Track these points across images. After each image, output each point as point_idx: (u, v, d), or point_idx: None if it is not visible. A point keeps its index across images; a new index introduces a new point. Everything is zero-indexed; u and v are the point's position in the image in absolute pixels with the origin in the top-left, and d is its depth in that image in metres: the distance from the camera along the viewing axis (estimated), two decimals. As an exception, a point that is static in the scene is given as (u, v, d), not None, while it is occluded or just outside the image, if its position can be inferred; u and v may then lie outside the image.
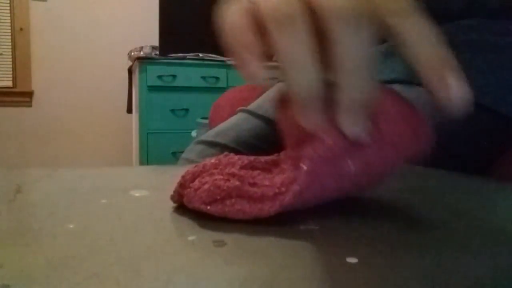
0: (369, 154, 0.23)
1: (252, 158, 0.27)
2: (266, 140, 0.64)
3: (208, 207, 0.24)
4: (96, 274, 0.17)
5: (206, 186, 0.24)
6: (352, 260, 0.19)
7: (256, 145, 0.64)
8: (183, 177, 0.26)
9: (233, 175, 0.24)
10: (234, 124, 0.69)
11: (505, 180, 0.41)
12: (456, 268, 0.19)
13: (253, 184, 0.24)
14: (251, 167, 0.26)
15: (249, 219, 0.23)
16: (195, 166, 0.27)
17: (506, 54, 0.55)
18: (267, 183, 0.24)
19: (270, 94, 0.73)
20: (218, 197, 0.24)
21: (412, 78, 0.57)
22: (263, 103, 0.71)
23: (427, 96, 0.57)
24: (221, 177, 0.25)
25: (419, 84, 0.60)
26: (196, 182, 0.25)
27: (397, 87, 0.57)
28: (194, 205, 0.25)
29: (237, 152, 0.38)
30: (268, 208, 0.22)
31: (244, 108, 0.72)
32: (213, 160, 0.27)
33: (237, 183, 0.24)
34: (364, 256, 0.20)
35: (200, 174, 0.26)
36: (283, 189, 0.23)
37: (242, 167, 0.25)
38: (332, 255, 0.20)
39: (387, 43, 0.62)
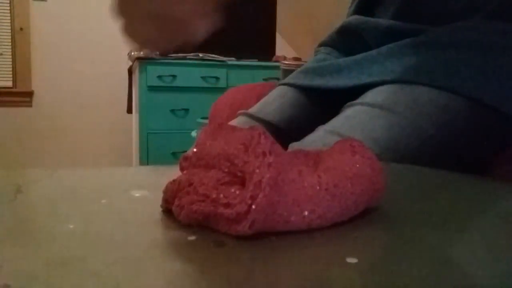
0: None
1: (234, 168, 0.24)
2: None
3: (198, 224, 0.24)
4: (96, 274, 0.17)
5: (183, 212, 0.24)
6: (352, 260, 0.19)
7: None
8: (164, 193, 0.26)
9: (207, 196, 0.23)
10: None
11: (505, 179, 0.41)
12: (457, 267, 0.19)
13: (227, 205, 0.22)
14: (229, 182, 0.24)
15: None
16: (173, 181, 0.26)
17: (507, 54, 0.55)
18: (238, 199, 0.22)
19: (270, 97, 0.74)
20: (200, 218, 0.23)
21: (412, 78, 0.57)
22: (263, 106, 0.72)
23: (427, 95, 0.57)
24: (196, 197, 0.23)
25: (419, 83, 0.60)
26: (175, 205, 0.24)
27: (397, 86, 0.57)
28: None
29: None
30: (243, 228, 0.21)
31: (244, 111, 0.72)
32: (187, 175, 0.25)
33: (211, 207, 0.22)
34: (364, 256, 0.20)
35: (177, 193, 0.25)
36: (249, 201, 0.21)
37: (218, 183, 0.23)
38: (332, 255, 0.20)
39: (387, 45, 0.62)
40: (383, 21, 0.66)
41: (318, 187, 0.23)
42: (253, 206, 0.21)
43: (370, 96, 0.58)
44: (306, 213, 0.22)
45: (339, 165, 0.25)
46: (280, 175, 0.22)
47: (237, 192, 0.22)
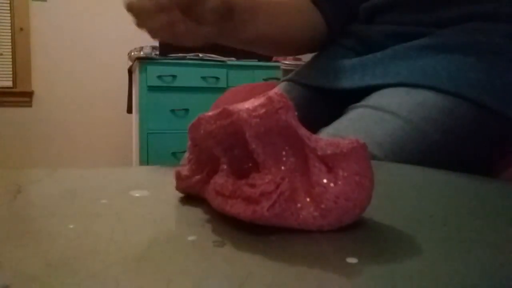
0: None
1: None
2: None
3: (214, 201, 0.24)
4: (96, 274, 0.17)
5: (221, 180, 0.24)
6: (352, 260, 0.19)
7: None
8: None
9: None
10: None
11: (508, 180, 0.41)
12: (457, 267, 0.19)
13: (252, 185, 0.23)
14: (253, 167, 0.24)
15: (246, 221, 0.23)
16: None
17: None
18: (267, 179, 0.22)
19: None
20: (226, 194, 0.24)
21: (417, 81, 0.56)
22: None
23: (433, 100, 0.57)
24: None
25: (424, 87, 0.60)
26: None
27: (402, 89, 0.57)
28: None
29: None
30: (261, 209, 0.22)
31: None
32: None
33: (235, 185, 0.23)
34: (364, 256, 0.20)
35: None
36: (279, 181, 0.22)
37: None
38: (332, 255, 0.20)
39: (391, 47, 0.62)
40: (387, 26, 0.65)
41: (332, 195, 0.22)
42: (281, 186, 0.21)
43: (374, 98, 0.58)
44: (316, 214, 0.22)
45: (350, 172, 0.23)
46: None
47: (264, 174, 0.23)
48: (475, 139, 0.53)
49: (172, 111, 2.64)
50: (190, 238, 0.22)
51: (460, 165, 0.53)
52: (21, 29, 3.02)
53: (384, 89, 0.58)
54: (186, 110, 2.66)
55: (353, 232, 0.23)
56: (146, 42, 2.92)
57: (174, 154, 2.60)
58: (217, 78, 2.70)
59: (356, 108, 0.58)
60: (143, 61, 2.61)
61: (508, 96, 0.53)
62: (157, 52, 2.73)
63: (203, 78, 2.67)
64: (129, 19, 0.52)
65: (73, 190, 0.32)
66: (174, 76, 2.62)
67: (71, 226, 0.23)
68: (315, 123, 0.59)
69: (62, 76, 3.12)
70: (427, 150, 0.51)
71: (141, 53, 2.72)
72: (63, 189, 0.33)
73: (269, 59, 2.75)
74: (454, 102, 0.53)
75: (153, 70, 2.61)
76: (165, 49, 2.70)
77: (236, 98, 1.03)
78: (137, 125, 2.74)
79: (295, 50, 0.75)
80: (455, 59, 0.56)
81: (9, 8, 3.00)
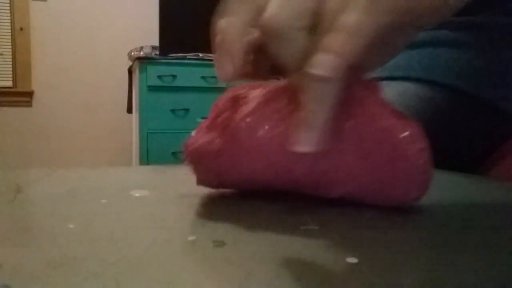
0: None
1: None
2: None
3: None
4: (96, 274, 0.17)
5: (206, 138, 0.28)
6: (352, 260, 0.19)
7: None
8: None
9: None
10: None
11: (502, 177, 0.41)
12: (455, 267, 0.19)
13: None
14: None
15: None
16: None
17: (481, 49, 0.55)
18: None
19: None
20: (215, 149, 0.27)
21: (393, 74, 0.57)
22: None
23: (413, 89, 0.57)
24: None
25: (399, 78, 0.60)
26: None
27: (383, 83, 0.57)
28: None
29: None
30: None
31: None
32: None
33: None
34: (364, 256, 0.20)
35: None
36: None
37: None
38: (332, 255, 0.20)
39: None
40: None
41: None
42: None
43: None
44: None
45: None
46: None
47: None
48: (457, 128, 0.54)
49: (172, 111, 2.64)
50: (190, 238, 0.22)
51: (445, 155, 0.53)
52: (21, 29, 3.02)
53: None
54: (186, 110, 2.66)
55: (353, 232, 0.23)
56: (146, 42, 2.92)
57: (174, 154, 2.60)
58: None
59: None
60: (143, 61, 2.61)
61: (480, 80, 0.54)
62: (157, 52, 2.73)
63: (203, 78, 2.67)
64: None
65: (73, 190, 0.32)
66: (174, 76, 2.62)
67: (71, 226, 0.23)
68: None
69: (62, 76, 3.12)
70: None
71: (141, 53, 2.72)
72: (63, 189, 0.33)
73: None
74: (433, 91, 0.54)
75: (153, 70, 2.61)
76: (165, 49, 2.70)
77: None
78: (137, 125, 2.74)
79: None
80: (427, 52, 0.57)
81: (9, 8, 3.00)
